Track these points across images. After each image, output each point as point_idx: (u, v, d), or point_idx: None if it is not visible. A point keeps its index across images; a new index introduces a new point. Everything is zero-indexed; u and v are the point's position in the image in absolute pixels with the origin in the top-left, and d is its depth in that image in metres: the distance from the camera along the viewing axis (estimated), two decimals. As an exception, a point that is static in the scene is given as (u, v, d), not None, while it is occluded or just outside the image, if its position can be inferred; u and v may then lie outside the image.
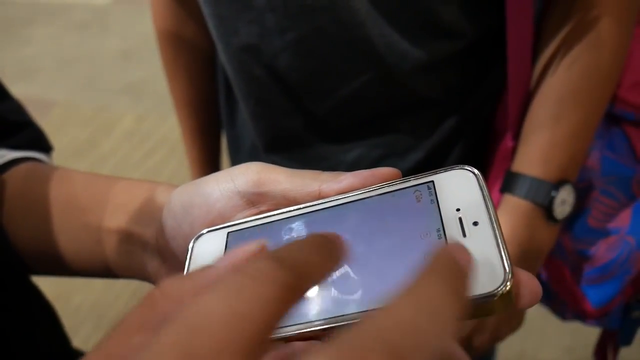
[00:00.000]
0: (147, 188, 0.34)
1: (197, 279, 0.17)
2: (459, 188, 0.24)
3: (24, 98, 0.49)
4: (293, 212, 0.26)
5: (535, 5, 0.50)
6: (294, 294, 0.14)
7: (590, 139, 0.52)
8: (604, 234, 0.56)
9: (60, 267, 0.37)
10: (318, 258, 0.16)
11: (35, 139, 0.44)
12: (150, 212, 0.33)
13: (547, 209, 0.50)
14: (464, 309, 0.15)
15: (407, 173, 0.25)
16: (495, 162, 0.57)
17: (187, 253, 0.28)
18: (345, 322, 0.21)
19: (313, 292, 0.23)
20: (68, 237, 0.36)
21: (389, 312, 0.14)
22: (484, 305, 0.20)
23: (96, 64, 2.72)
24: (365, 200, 0.25)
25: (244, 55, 0.55)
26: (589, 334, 0.86)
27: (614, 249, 0.56)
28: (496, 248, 0.21)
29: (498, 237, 0.21)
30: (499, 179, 0.54)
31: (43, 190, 0.37)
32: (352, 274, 0.23)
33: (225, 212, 0.28)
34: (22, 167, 0.40)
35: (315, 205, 0.26)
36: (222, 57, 0.58)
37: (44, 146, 0.45)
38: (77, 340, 0.80)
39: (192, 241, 0.28)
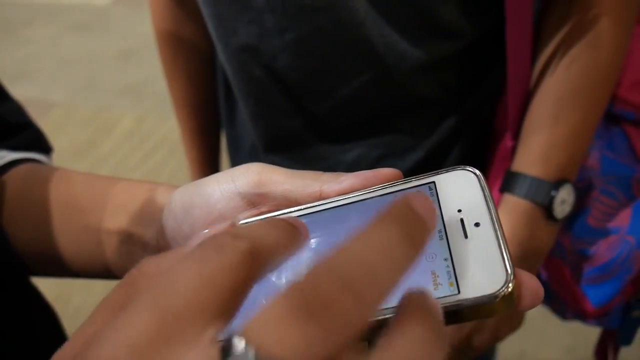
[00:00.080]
0: (147, 189, 0.34)
1: (172, 256, 0.19)
2: (460, 189, 0.24)
3: (23, 99, 0.49)
4: (294, 212, 0.26)
5: (535, 5, 0.50)
6: (252, 261, 0.16)
7: (590, 138, 0.52)
8: (604, 233, 0.56)
9: (60, 268, 0.37)
10: (274, 232, 0.17)
11: (35, 140, 0.44)
12: (150, 213, 0.33)
13: (547, 209, 0.50)
14: (417, 255, 0.16)
15: (407, 173, 0.25)
16: (495, 161, 0.57)
17: None
18: None
19: None
20: (68, 238, 0.36)
21: (341, 250, 0.15)
22: (485, 307, 0.20)
23: (96, 64, 2.72)
24: (367, 201, 0.25)
25: (243, 56, 0.55)
26: (589, 334, 0.86)
27: (614, 249, 0.56)
28: (498, 249, 0.21)
29: (500, 238, 0.21)
30: (499, 179, 0.54)
31: (43, 191, 0.37)
32: None
33: (226, 212, 0.28)
34: (22, 168, 0.40)
35: (316, 206, 0.26)
36: (222, 57, 0.58)
37: (44, 147, 0.45)
38: (77, 341, 0.80)
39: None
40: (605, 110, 0.53)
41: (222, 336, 0.14)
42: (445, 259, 0.21)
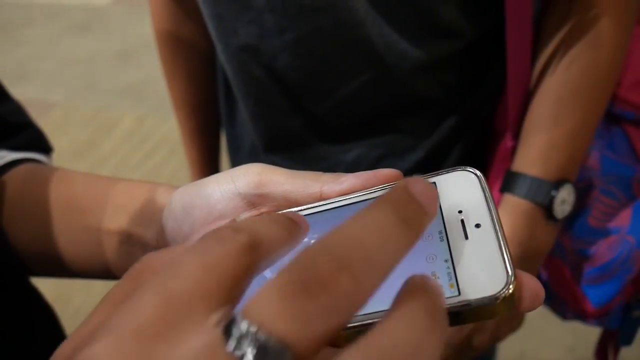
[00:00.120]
0: (147, 189, 0.34)
1: (174, 250, 0.20)
2: (461, 190, 0.23)
3: (23, 99, 0.49)
4: None
5: (535, 5, 0.50)
6: (252, 253, 0.16)
7: (590, 138, 0.52)
8: (604, 233, 0.56)
9: (60, 268, 0.37)
10: (273, 226, 0.18)
11: (35, 140, 0.44)
12: (150, 213, 0.33)
13: (547, 209, 0.50)
14: (414, 239, 0.16)
15: (407, 173, 0.25)
16: (495, 161, 0.57)
17: None
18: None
19: None
20: (68, 239, 0.36)
21: (336, 231, 0.15)
22: (486, 309, 0.20)
23: (96, 64, 2.72)
24: (367, 201, 0.25)
25: (243, 56, 0.54)
26: (589, 334, 0.86)
27: (614, 249, 0.56)
28: (498, 250, 0.21)
29: (500, 239, 0.21)
30: (499, 179, 0.54)
31: (43, 191, 0.37)
32: None
33: (226, 213, 0.28)
34: (22, 168, 0.40)
35: (317, 206, 0.26)
36: (222, 57, 0.58)
37: (44, 147, 0.45)
38: (78, 342, 0.80)
39: None
40: (606, 110, 0.53)
41: (225, 321, 0.15)
42: (446, 260, 0.21)
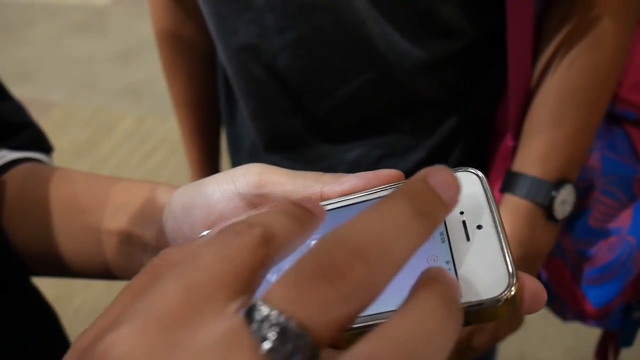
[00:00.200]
0: (147, 189, 0.34)
1: (193, 244, 0.21)
2: (462, 190, 0.23)
3: (23, 99, 0.49)
4: None
5: (536, 5, 0.50)
6: (267, 244, 0.17)
7: (590, 138, 0.52)
8: (605, 234, 0.56)
9: (60, 268, 0.37)
10: (286, 219, 0.18)
11: (36, 140, 0.44)
12: (150, 213, 0.33)
13: (547, 209, 0.50)
14: (431, 230, 0.16)
15: (408, 173, 0.25)
16: (496, 161, 0.57)
17: None
18: None
19: None
20: (68, 238, 0.36)
21: (352, 223, 0.16)
22: (487, 310, 0.19)
23: (96, 64, 2.72)
24: (368, 202, 0.25)
25: (243, 55, 0.54)
26: (589, 335, 0.86)
27: (614, 249, 0.55)
28: (500, 252, 0.20)
29: (502, 240, 0.21)
30: (499, 179, 0.54)
31: (43, 191, 0.37)
32: None
33: (226, 213, 0.28)
34: (22, 167, 0.40)
35: None
36: (222, 56, 0.58)
37: (45, 147, 0.45)
38: (77, 341, 0.80)
39: None
40: (607, 110, 0.53)
41: (244, 308, 0.15)
42: (447, 262, 0.21)
